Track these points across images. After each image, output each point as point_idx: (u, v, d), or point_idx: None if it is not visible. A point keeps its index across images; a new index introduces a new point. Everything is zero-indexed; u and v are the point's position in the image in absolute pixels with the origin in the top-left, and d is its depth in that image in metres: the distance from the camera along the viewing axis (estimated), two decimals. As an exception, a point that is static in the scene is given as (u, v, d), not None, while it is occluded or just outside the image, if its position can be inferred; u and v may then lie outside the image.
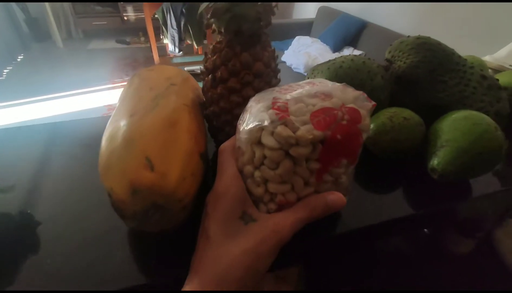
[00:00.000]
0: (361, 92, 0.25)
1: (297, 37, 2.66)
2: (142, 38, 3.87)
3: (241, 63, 0.30)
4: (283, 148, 0.22)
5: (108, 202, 0.25)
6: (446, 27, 1.72)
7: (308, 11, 3.19)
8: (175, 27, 2.72)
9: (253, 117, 0.24)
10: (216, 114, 0.33)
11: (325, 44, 2.50)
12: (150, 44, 2.93)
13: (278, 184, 0.24)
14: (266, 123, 0.22)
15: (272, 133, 0.22)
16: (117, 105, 0.33)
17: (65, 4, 3.68)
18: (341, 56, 0.44)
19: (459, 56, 0.42)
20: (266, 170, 0.23)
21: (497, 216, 0.58)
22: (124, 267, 0.27)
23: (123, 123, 0.27)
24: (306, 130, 0.22)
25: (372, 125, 0.37)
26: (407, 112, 0.36)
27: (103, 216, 0.31)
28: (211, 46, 0.33)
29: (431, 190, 0.36)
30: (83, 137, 0.44)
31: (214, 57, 0.31)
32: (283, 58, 2.52)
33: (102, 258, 0.27)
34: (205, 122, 0.35)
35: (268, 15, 0.30)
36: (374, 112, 0.39)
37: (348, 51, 2.37)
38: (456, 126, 0.33)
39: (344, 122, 0.23)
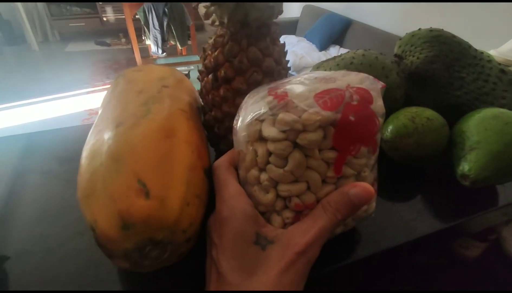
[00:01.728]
0: (365, 74, 0.23)
1: (282, 36, 2.63)
2: (123, 40, 3.73)
3: (249, 59, 0.26)
4: (289, 137, 0.19)
5: (85, 230, 0.19)
6: (432, 24, 1.73)
7: (292, 10, 3.18)
8: (157, 27, 2.63)
9: (248, 111, 0.21)
10: (218, 120, 0.28)
11: (311, 43, 2.49)
12: (132, 46, 2.82)
13: (291, 184, 0.20)
14: (264, 110, 0.20)
15: (274, 122, 0.19)
16: (99, 112, 0.27)
17: (39, 5, 3.51)
18: (350, 52, 0.40)
19: (476, 50, 0.39)
20: (273, 168, 0.20)
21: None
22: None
23: (108, 135, 0.22)
24: (312, 112, 0.19)
25: (390, 128, 0.33)
26: (429, 112, 0.33)
27: (85, 247, 0.26)
28: (210, 41, 0.28)
29: (458, 198, 0.32)
30: (60, 150, 0.38)
31: (216, 53, 0.26)
32: (270, 58, 2.48)
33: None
34: (205, 131, 0.30)
35: (279, 2, 0.25)
36: (391, 112, 0.36)
37: (334, 50, 2.37)
38: (486, 126, 0.30)
39: (355, 102, 0.20)
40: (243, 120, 0.21)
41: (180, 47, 2.86)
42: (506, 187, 0.34)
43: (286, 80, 0.23)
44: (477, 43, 0.45)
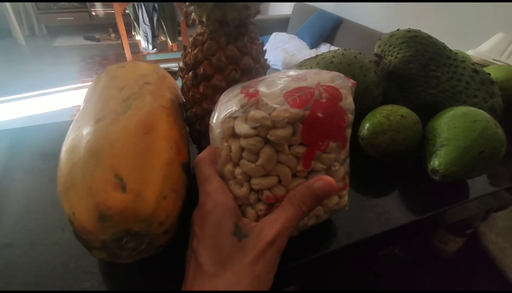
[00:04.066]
0: (337, 73, 0.24)
1: (274, 34, 2.64)
2: (113, 35, 3.68)
3: (227, 57, 0.26)
4: (259, 133, 0.20)
5: (68, 224, 0.20)
6: (422, 23, 1.76)
7: (284, 7, 3.18)
8: (147, 23, 2.60)
9: (222, 109, 0.22)
10: (199, 117, 0.29)
11: (302, 41, 2.50)
12: (122, 41, 2.78)
13: (262, 178, 0.21)
14: (235, 108, 0.21)
15: (245, 119, 0.20)
16: (80, 108, 0.28)
17: (26, -2, 3.42)
18: (331, 51, 0.41)
19: (450, 50, 0.41)
20: (246, 163, 0.21)
21: (483, 211, 0.58)
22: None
23: (87, 130, 0.22)
24: (281, 109, 0.20)
25: (367, 125, 0.35)
26: (403, 110, 0.34)
27: (68, 243, 0.26)
28: (191, 39, 0.28)
29: (430, 192, 0.34)
30: (43, 146, 0.38)
31: (195, 51, 0.27)
32: (261, 55, 2.48)
33: (67, 288, 0.23)
34: (186, 128, 0.31)
35: (257, 2, 0.26)
36: (369, 110, 0.37)
37: (325, 47, 2.39)
38: (456, 124, 0.32)
39: (323, 100, 0.21)
40: (217, 117, 0.22)
41: (170, 43, 2.84)
42: (476, 182, 0.36)
43: (261, 78, 0.24)
44: (457, 44, 0.47)
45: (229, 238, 0.20)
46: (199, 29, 0.28)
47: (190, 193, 0.25)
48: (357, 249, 0.29)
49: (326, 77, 0.23)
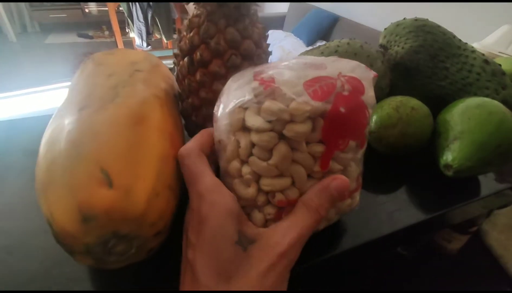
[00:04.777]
0: (357, 62, 0.21)
1: (270, 31, 2.62)
2: (106, 32, 3.62)
3: (226, 40, 0.24)
4: (274, 128, 0.18)
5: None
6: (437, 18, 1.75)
7: (280, 5, 3.16)
8: (141, 20, 2.56)
9: (231, 97, 0.19)
10: (195, 108, 0.27)
11: (298, 38, 2.48)
12: (115, 38, 2.74)
13: (274, 178, 0.19)
14: (248, 97, 0.18)
15: (259, 111, 0.18)
16: (64, 98, 0.25)
17: (17, -6, 3.34)
18: (335, 40, 0.39)
19: (460, 40, 0.39)
20: (257, 161, 0.18)
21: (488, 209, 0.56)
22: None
23: (68, 120, 0.20)
24: (301, 102, 0.17)
25: (375, 118, 0.32)
26: (414, 102, 0.32)
27: (50, 245, 0.23)
28: (186, 22, 0.26)
29: (441, 189, 0.32)
30: (25, 141, 0.35)
31: (191, 34, 0.25)
32: (258, 53, 2.46)
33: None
34: (182, 120, 0.29)
35: (258, -20, 0.24)
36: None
37: (322, 46, 2.37)
38: (470, 116, 0.30)
39: (346, 93, 0.18)
40: (224, 107, 0.20)
41: (165, 41, 2.80)
42: (488, 177, 0.34)
43: (272, 64, 0.22)
44: (461, 37, 0.45)
45: (231, 248, 0.17)
46: (195, 10, 0.26)
47: (186, 190, 0.23)
48: (367, 250, 0.26)
49: (346, 66, 0.20)
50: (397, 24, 0.41)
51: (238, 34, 0.24)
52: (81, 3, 3.56)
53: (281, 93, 0.18)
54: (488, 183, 0.33)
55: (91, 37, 3.60)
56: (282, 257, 0.17)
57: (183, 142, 0.25)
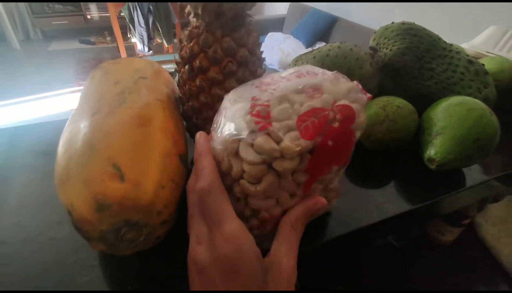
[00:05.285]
0: (355, 83, 0.22)
1: (269, 34, 2.65)
2: (108, 38, 3.67)
3: (223, 49, 0.26)
4: (265, 161, 0.19)
5: (66, 219, 0.20)
6: (417, 19, 1.77)
7: (279, 7, 3.19)
8: (143, 25, 2.60)
9: (228, 123, 0.20)
10: (196, 110, 0.29)
11: (297, 40, 2.51)
12: (117, 44, 2.78)
13: (261, 200, 0.20)
14: (244, 135, 0.19)
15: (252, 145, 0.19)
16: (76, 104, 0.28)
17: (20, 3, 3.40)
18: (327, 44, 0.41)
19: (445, 42, 0.41)
20: (246, 184, 0.20)
21: (478, 202, 0.58)
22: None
23: (83, 124, 0.22)
24: (291, 140, 0.18)
25: (364, 116, 0.35)
26: (399, 101, 0.34)
27: (65, 237, 0.26)
28: (186, 32, 0.28)
29: (427, 182, 0.34)
30: (38, 144, 0.37)
31: (191, 44, 0.27)
32: (257, 55, 2.49)
33: (66, 284, 0.23)
34: (183, 122, 0.31)
35: (252, -6, 0.26)
36: (364, 102, 0.37)
37: (320, 46, 2.39)
38: (451, 113, 0.32)
39: (336, 124, 0.20)
40: (221, 130, 0.20)
41: (166, 45, 2.84)
42: (472, 170, 0.36)
43: (271, 81, 0.22)
44: (453, 38, 0.47)
45: (260, 286, 0.18)
46: (194, 22, 0.28)
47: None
48: (357, 237, 0.29)
49: (343, 89, 0.21)
50: (386, 28, 0.43)
51: (234, 43, 0.26)
52: (83, 10, 3.61)
53: (273, 132, 0.18)
54: (472, 175, 0.35)
55: (93, 43, 3.65)
56: (292, 279, 0.19)
57: (185, 141, 0.27)
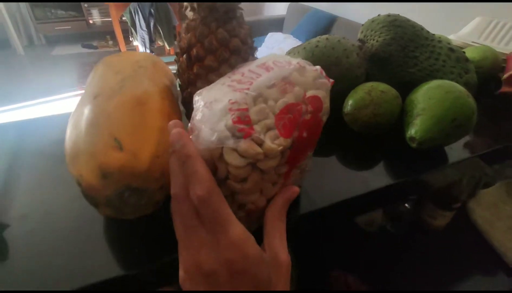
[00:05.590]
0: (318, 68, 0.24)
1: (269, 34, 2.67)
2: (111, 42, 3.72)
3: (217, 39, 0.29)
4: (250, 163, 0.20)
5: (79, 195, 0.23)
6: (413, 15, 1.79)
7: (279, 7, 3.22)
8: (144, 28, 2.64)
9: (209, 129, 0.19)
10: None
11: (297, 40, 2.53)
12: (119, 48, 2.82)
13: (248, 195, 0.22)
14: (229, 144, 0.19)
15: (236, 150, 0.19)
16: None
17: (23, 9, 3.47)
18: (317, 37, 0.44)
19: (428, 32, 0.44)
20: (233, 184, 0.20)
21: (470, 187, 0.60)
22: (101, 260, 0.24)
23: (86, 106, 0.25)
24: (272, 140, 0.19)
25: (351, 102, 0.37)
26: (383, 86, 0.37)
27: (75, 210, 0.29)
28: (184, 25, 0.31)
29: (411, 160, 0.36)
30: (51, 133, 0.40)
31: (189, 35, 0.30)
32: (257, 55, 2.50)
33: (78, 253, 0.25)
34: (183, 108, 0.34)
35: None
36: (352, 89, 0.39)
37: (320, 46, 2.41)
38: (430, 96, 0.34)
39: (308, 116, 0.21)
40: (203, 136, 0.19)
41: (168, 47, 2.88)
42: (453, 150, 0.38)
43: (244, 77, 0.23)
44: (441, 30, 0.49)
45: (268, 286, 0.19)
46: (191, 15, 0.31)
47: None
48: (344, 208, 0.31)
49: (309, 78, 0.22)
50: (372, 20, 0.46)
51: (227, 34, 0.29)
52: (85, 15, 3.67)
53: (257, 138, 0.19)
54: (453, 154, 0.37)
55: (96, 48, 3.70)
56: (289, 269, 0.21)
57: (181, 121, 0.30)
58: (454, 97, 0.33)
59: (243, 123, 0.19)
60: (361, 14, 2.22)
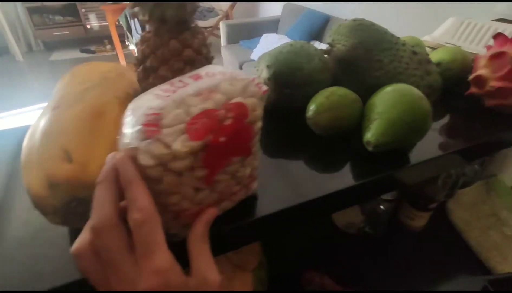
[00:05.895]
0: (251, 78, 0.24)
1: (264, 35, 2.69)
2: (108, 46, 3.75)
3: (170, 50, 0.30)
4: (161, 163, 0.20)
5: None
6: (403, 17, 1.79)
7: (273, 9, 3.23)
8: (140, 32, 2.66)
9: (127, 131, 0.21)
10: (151, 106, 0.33)
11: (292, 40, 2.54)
12: (116, 52, 2.85)
13: (166, 197, 0.22)
14: (135, 144, 0.20)
15: (146, 150, 0.20)
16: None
17: (22, 15, 3.51)
18: (283, 43, 0.45)
19: (392, 35, 0.44)
20: (149, 186, 0.21)
21: (448, 188, 0.61)
22: (59, 265, 0.26)
23: (44, 117, 0.26)
24: (180, 144, 0.20)
25: (312, 107, 0.38)
26: (342, 91, 0.38)
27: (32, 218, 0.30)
28: (139, 37, 0.32)
29: (372, 162, 0.37)
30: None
31: (144, 46, 0.31)
32: (252, 56, 2.53)
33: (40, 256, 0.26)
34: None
35: (192, 1, 0.30)
36: (314, 94, 0.40)
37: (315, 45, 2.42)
38: (386, 99, 0.35)
39: (228, 122, 0.22)
40: (122, 140, 0.21)
41: (164, 51, 2.90)
42: (413, 153, 0.39)
43: (173, 86, 0.23)
44: (417, 32, 0.50)
45: None
46: (147, 27, 0.32)
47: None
48: (300, 211, 0.32)
49: (238, 87, 0.23)
50: (339, 25, 0.46)
51: (179, 44, 0.30)
52: (83, 20, 3.70)
53: (162, 139, 0.20)
54: (412, 157, 0.38)
55: (94, 52, 3.74)
56: (220, 285, 0.21)
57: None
58: (408, 101, 0.33)
59: (152, 126, 0.20)
60: (356, 14, 2.22)
